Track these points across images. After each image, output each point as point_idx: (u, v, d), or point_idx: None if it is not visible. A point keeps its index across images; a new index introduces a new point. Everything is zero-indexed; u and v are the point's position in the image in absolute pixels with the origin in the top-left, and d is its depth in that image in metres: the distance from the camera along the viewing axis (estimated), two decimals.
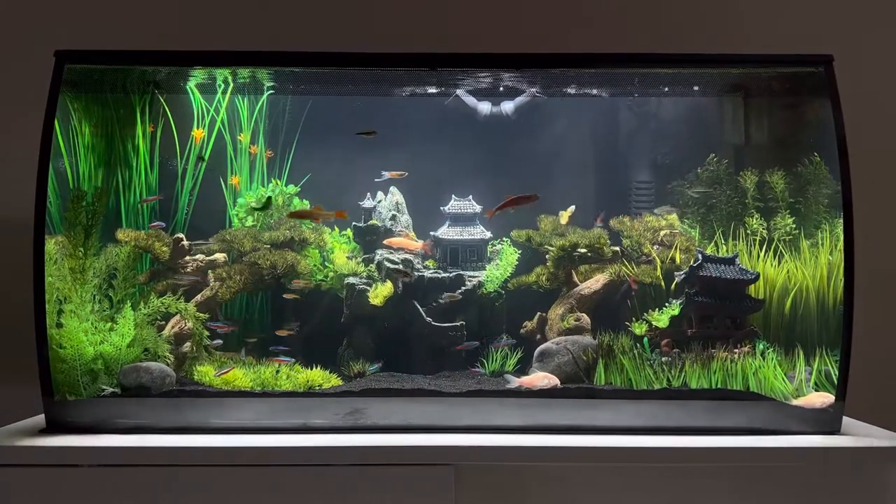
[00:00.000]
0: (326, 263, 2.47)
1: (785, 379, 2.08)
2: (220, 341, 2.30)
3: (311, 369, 2.21)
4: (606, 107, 2.54)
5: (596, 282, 2.42)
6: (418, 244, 2.46)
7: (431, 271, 2.46)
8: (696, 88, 2.43)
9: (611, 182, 2.56)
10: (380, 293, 2.33)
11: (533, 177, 2.50)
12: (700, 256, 2.25)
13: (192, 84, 2.40)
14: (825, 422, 1.96)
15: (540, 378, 2.09)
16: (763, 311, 2.24)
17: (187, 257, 2.35)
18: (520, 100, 2.46)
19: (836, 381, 1.98)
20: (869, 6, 2.65)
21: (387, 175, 2.39)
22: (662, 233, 2.41)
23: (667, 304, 2.26)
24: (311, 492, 1.81)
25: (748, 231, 2.34)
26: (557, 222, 2.46)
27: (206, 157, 2.44)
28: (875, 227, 2.29)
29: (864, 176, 2.11)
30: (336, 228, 2.51)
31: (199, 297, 2.32)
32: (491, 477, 1.84)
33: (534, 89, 2.42)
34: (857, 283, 1.95)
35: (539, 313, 2.42)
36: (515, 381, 2.09)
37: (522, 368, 2.27)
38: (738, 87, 2.40)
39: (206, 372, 2.15)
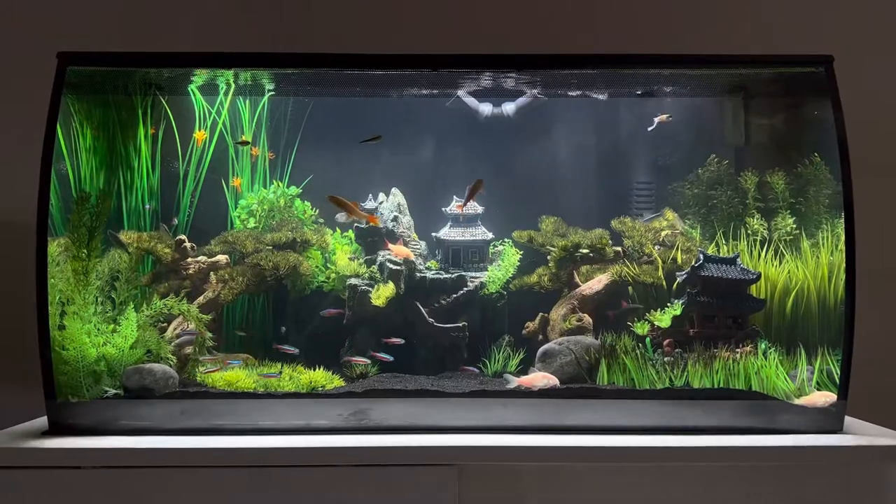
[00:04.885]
0: (328, 265, 2.47)
1: (787, 378, 2.08)
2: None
3: (315, 370, 2.21)
4: (607, 107, 2.54)
5: (598, 282, 2.43)
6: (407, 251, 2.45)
7: (433, 272, 2.46)
8: (696, 89, 2.43)
9: (610, 183, 2.56)
10: (382, 294, 2.33)
11: (532, 177, 2.51)
12: (701, 257, 2.26)
13: (193, 86, 2.41)
14: (827, 421, 1.97)
15: (539, 378, 2.09)
16: (765, 310, 2.25)
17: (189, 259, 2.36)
18: (521, 101, 2.46)
19: (837, 381, 1.99)
20: (869, 7, 2.65)
21: (657, 120, 2.34)
22: (664, 233, 2.42)
23: (669, 304, 2.27)
24: (314, 492, 1.81)
25: (749, 231, 2.34)
26: None
27: (245, 140, 2.48)
28: (875, 226, 2.29)
29: (865, 175, 2.11)
30: (338, 230, 2.51)
31: (201, 298, 2.32)
32: (495, 477, 1.84)
33: (534, 90, 2.42)
34: (859, 283, 1.96)
35: (541, 314, 2.42)
36: (515, 381, 2.09)
37: (524, 369, 2.28)
38: (738, 87, 2.41)
39: (208, 373, 2.15)
